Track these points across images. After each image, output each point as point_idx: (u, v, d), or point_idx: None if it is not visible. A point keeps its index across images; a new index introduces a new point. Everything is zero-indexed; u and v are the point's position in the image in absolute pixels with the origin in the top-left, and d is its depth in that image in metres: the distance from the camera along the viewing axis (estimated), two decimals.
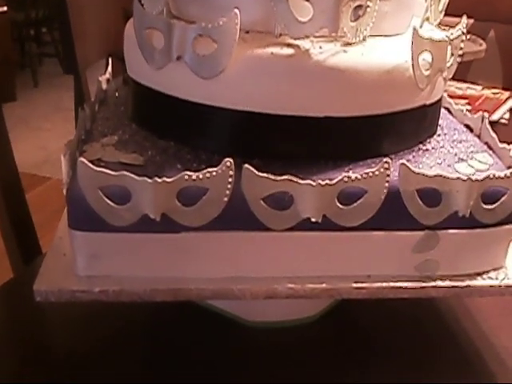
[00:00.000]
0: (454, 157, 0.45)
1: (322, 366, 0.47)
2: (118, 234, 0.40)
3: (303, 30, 0.40)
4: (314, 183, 0.39)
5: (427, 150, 0.46)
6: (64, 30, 0.70)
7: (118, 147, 0.44)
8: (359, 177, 0.40)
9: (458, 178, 0.41)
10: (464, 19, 0.46)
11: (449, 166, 0.44)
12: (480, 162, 0.45)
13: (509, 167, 0.45)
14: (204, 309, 0.50)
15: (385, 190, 0.41)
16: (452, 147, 0.47)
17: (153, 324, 0.50)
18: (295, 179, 0.39)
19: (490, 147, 0.48)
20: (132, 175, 0.38)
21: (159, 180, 0.38)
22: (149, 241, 0.41)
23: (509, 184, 0.42)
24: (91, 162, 0.39)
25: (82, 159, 0.38)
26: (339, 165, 0.43)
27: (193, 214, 0.40)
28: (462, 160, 0.45)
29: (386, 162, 0.40)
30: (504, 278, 0.44)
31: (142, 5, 0.44)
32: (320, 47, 0.41)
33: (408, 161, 0.43)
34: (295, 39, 0.41)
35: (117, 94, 0.56)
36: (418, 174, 0.41)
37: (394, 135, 0.44)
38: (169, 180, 0.39)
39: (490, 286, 0.43)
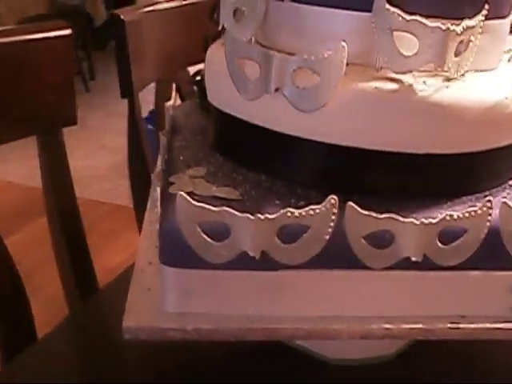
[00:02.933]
0: None
1: None
2: (214, 272, 0.39)
3: (407, 65, 0.39)
4: (417, 222, 0.38)
5: None
6: (121, 51, 0.68)
7: (209, 179, 0.43)
8: (461, 215, 0.39)
9: None
10: None
11: None
12: None
13: None
14: (283, 345, 0.48)
15: (485, 230, 0.40)
16: None
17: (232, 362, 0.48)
18: (398, 217, 0.38)
19: None
20: (233, 211, 0.37)
21: (262, 217, 0.37)
22: (245, 278, 0.39)
23: None
24: None
25: (182, 193, 0.37)
26: (437, 202, 0.42)
27: (292, 251, 0.39)
28: None
29: (488, 201, 0.39)
30: None
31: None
32: (424, 82, 0.40)
33: (504, 198, 0.42)
34: (397, 73, 0.40)
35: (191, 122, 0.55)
36: None
37: (492, 172, 0.44)
38: (271, 217, 0.37)
39: None
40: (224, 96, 0.46)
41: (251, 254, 0.38)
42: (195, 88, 0.59)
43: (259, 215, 0.37)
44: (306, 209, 0.38)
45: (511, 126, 0.42)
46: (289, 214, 0.38)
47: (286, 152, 0.42)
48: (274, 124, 0.42)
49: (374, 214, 0.38)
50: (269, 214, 0.38)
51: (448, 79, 0.41)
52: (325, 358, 0.49)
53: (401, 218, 0.38)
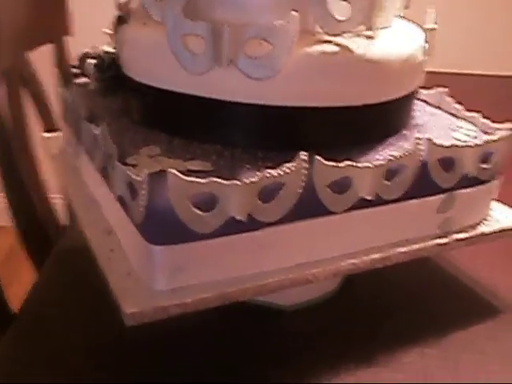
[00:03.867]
0: (445, 129, 0.53)
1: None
2: (203, 242, 0.41)
3: (341, 28, 0.44)
4: (370, 165, 0.44)
5: (420, 125, 0.53)
6: None
7: (171, 156, 0.43)
8: (401, 155, 0.45)
9: (466, 145, 0.48)
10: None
11: (447, 135, 0.51)
12: (468, 129, 0.53)
13: (485, 132, 0.53)
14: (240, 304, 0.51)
15: (419, 164, 0.46)
16: (435, 121, 0.55)
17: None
18: (355, 164, 0.43)
19: (457, 117, 0.57)
20: (221, 180, 0.39)
21: (247, 181, 0.40)
22: (232, 243, 0.42)
23: (499, 146, 0.50)
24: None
25: (173, 171, 0.38)
26: (375, 146, 0.48)
27: (272, 209, 0.42)
28: (453, 130, 0.53)
29: (418, 139, 0.46)
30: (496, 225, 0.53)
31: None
32: (353, 42, 0.45)
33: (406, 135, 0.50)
34: (331, 36, 0.44)
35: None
36: (439, 145, 0.47)
37: (408, 114, 0.51)
38: (254, 180, 0.40)
39: (496, 232, 0.52)
40: (160, 74, 0.46)
41: (239, 217, 0.40)
42: (92, 70, 0.57)
43: (245, 180, 0.40)
44: (283, 168, 0.41)
45: (421, 72, 0.50)
46: (268, 175, 0.41)
47: (240, 120, 0.45)
48: (228, 95, 0.44)
49: (337, 164, 0.43)
50: (248, 178, 0.40)
51: (368, 37, 0.46)
52: (280, 307, 0.53)
53: (359, 164, 0.43)
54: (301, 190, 0.42)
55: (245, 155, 0.45)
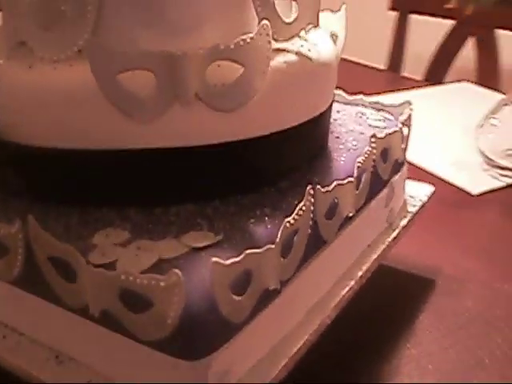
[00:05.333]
0: (356, 119, 0.50)
1: None
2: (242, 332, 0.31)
3: (292, 31, 0.37)
4: (352, 179, 0.39)
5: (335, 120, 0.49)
6: None
7: (150, 237, 0.32)
8: (363, 158, 0.41)
9: (395, 131, 0.46)
10: None
11: (364, 125, 0.49)
12: (371, 114, 0.51)
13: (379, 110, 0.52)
14: None
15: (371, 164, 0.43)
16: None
17: None
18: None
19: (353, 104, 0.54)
20: (255, 250, 0.30)
21: (277, 241, 0.31)
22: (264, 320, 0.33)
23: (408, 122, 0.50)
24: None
25: (215, 259, 0.28)
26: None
27: (289, 264, 0.34)
28: (362, 118, 0.50)
29: (373, 136, 0.43)
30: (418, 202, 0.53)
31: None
32: (301, 46, 0.38)
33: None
34: (282, 42, 0.37)
35: None
36: (379, 138, 0.44)
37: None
38: (282, 236, 0.32)
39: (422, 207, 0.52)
40: (83, 130, 0.33)
41: (272, 287, 0.32)
42: None
43: (276, 240, 0.31)
44: (297, 212, 0.33)
45: None
46: (288, 224, 0.33)
47: (210, 165, 0.35)
48: (187, 139, 0.33)
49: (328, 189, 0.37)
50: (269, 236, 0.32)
51: (303, 38, 0.40)
52: None
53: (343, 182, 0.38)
54: (309, 231, 0.35)
55: (225, 207, 0.35)
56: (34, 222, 0.31)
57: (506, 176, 0.72)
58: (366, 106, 0.53)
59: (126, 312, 0.29)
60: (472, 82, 1.07)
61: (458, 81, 1.06)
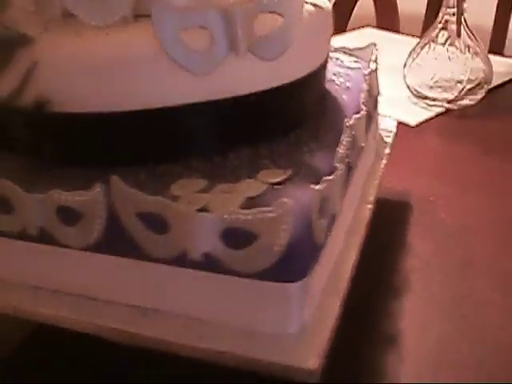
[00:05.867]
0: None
1: None
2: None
3: None
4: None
5: None
6: None
7: (229, 181, 0.34)
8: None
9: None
10: None
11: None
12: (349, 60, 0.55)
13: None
14: None
15: None
16: None
17: None
18: None
19: None
20: (331, 178, 0.34)
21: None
22: None
23: None
24: None
25: (314, 186, 0.31)
26: None
27: None
28: (337, 61, 0.54)
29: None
30: None
31: None
32: None
33: None
34: None
35: None
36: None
37: None
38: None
39: None
40: (140, 92, 0.35)
41: None
42: None
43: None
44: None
45: None
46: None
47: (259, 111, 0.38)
48: (239, 89, 0.36)
49: None
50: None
51: None
52: None
53: None
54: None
55: (276, 147, 0.38)
56: (118, 181, 0.33)
57: (434, 106, 0.80)
58: (337, 51, 0.57)
59: (229, 251, 0.32)
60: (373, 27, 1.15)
61: (362, 27, 1.14)
